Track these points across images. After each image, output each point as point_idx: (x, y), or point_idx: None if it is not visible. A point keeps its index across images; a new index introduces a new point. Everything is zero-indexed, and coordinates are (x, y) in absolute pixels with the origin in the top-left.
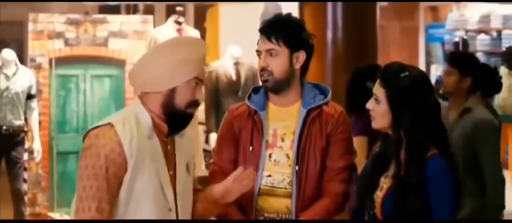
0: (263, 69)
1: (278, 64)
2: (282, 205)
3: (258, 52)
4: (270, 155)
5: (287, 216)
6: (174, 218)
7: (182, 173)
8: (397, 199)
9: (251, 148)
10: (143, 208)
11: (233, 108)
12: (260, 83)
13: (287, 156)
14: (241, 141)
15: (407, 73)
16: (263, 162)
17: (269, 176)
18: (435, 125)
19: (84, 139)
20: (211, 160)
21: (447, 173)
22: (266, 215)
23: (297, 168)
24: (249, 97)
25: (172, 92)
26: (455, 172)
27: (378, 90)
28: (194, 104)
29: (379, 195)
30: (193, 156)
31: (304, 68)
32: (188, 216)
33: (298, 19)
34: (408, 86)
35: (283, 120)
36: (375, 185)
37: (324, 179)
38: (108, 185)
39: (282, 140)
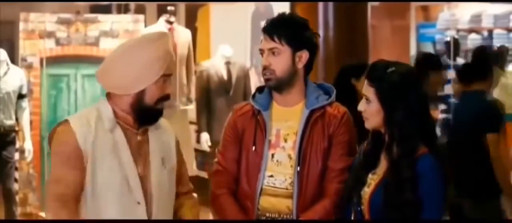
0: (265, 68)
1: (280, 63)
2: (283, 205)
3: (261, 51)
4: (272, 155)
5: (288, 216)
6: (144, 211)
7: (157, 165)
8: (390, 193)
9: (254, 148)
10: (108, 201)
11: (238, 108)
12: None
13: (289, 156)
14: (244, 141)
15: (393, 68)
16: (266, 162)
17: (271, 176)
18: (425, 118)
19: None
20: (215, 160)
21: (435, 172)
22: (267, 215)
23: (298, 168)
24: (253, 97)
25: (140, 93)
26: (443, 170)
27: (367, 90)
28: (164, 99)
29: (366, 191)
30: (171, 150)
31: (308, 67)
32: (166, 210)
33: (302, 18)
34: (396, 81)
35: (287, 120)
36: (362, 182)
37: (324, 179)
38: (68, 179)
39: (285, 140)
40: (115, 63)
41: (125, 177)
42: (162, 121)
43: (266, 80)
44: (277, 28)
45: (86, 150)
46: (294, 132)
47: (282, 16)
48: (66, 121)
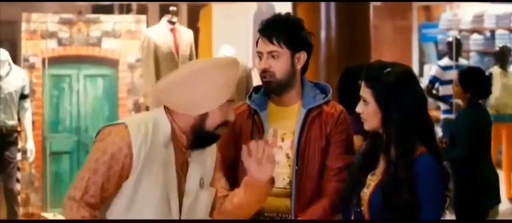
0: (265, 71)
1: (280, 65)
2: (281, 204)
3: (259, 53)
4: None
5: (286, 215)
6: None
7: (193, 185)
8: (388, 193)
9: None
10: (144, 216)
11: (234, 108)
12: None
13: (287, 156)
14: (241, 141)
15: (390, 69)
16: None
17: None
18: (423, 119)
19: (98, 133)
20: None
21: (434, 171)
22: (265, 214)
23: (296, 168)
24: (249, 97)
25: (204, 115)
26: (442, 170)
27: (364, 91)
28: (224, 124)
29: (366, 192)
30: (210, 171)
31: (304, 67)
32: None
33: (298, 19)
34: (393, 81)
35: (284, 119)
36: (362, 183)
37: (323, 179)
38: (105, 182)
39: (282, 140)
40: (182, 82)
41: (167, 196)
42: None
43: (266, 83)
44: (275, 30)
45: (136, 161)
46: (291, 131)
47: (278, 17)
48: (124, 124)
